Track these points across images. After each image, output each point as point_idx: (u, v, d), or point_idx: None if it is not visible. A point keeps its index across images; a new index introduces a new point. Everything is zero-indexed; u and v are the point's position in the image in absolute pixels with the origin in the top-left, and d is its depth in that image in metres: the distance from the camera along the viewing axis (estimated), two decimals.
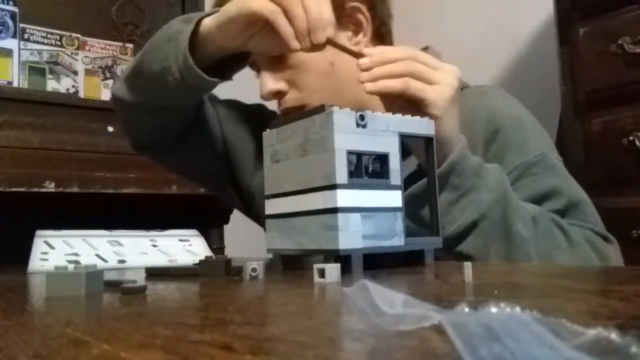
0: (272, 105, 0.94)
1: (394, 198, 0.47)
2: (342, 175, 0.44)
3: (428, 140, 0.52)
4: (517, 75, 1.80)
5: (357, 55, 0.64)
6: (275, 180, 0.51)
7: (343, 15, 0.78)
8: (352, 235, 0.44)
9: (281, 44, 0.64)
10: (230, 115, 0.92)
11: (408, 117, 0.50)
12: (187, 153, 0.88)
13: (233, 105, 0.96)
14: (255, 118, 0.92)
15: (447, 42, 2.01)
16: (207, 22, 0.70)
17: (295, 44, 0.63)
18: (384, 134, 0.47)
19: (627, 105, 1.20)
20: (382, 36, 0.83)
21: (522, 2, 1.78)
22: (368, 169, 0.48)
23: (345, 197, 0.44)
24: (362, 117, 0.46)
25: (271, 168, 0.51)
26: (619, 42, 1.20)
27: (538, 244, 0.63)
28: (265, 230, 0.90)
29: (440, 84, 0.62)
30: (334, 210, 0.43)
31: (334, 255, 0.43)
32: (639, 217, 1.14)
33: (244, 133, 0.91)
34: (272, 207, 0.51)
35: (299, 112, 0.69)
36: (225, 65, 0.75)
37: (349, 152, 0.45)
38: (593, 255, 0.66)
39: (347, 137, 0.45)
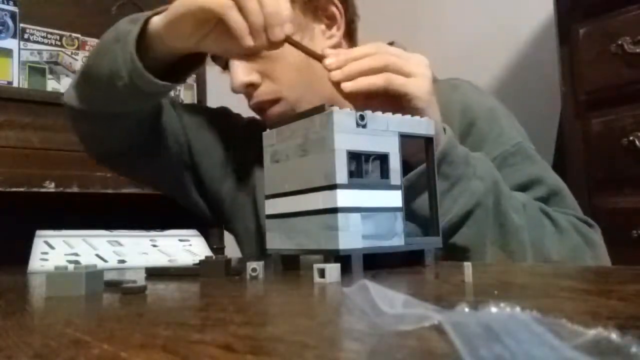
0: (237, 108, 0.92)
1: (394, 198, 0.47)
2: (342, 175, 0.44)
3: (428, 140, 0.52)
4: (517, 75, 1.80)
5: (319, 57, 0.61)
6: (275, 180, 0.51)
7: (317, 7, 0.76)
8: (352, 235, 0.44)
9: (237, 44, 0.61)
10: (194, 120, 0.87)
11: (408, 117, 0.50)
12: (149, 163, 0.83)
13: (196, 109, 0.93)
14: (220, 121, 0.89)
15: (447, 42, 2.02)
16: (155, 21, 0.66)
17: (248, 41, 0.60)
18: (383, 134, 0.47)
19: (627, 105, 1.20)
20: (351, 33, 0.81)
21: (522, 2, 1.78)
22: (368, 169, 0.48)
23: (345, 197, 0.44)
24: (362, 117, 0.46)
25: (271, 168, 0.51)
26: (619, 42, 1.20)
27: (530, 231, 0.63)
28: (235, 236, 0.90)
29: (416, 76, 0.60)
30: (334, 210, 0.43)
31: (334, 255, 0.43)
32: (639, 217, 1.14)
33: (209, 138, 0.88)
34: (272, 207, 0.51)
35: (271, 106, 0.72)
36: (181, 66, 0.71)
37: (349, 152, 0.45)
38: (580, 240, 0.67)
39: (347, 137, 0.45)
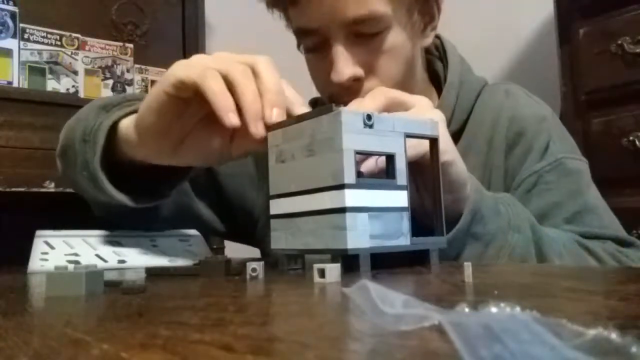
0: None
1: (400, 198, 0.47)
2: (350, 175, 0.44)
3: (432, 141, 0.52)
4: (517, 75, 1.80)
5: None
6: (281, 180, 0.51)
7: (425, 5, 0.72)
8: (360, 235, 0.44)
9: (217, 150, 0.53)
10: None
11: (413, 117, 0.50)
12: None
13: None
14: None
15: None
16: (124, 128, 0.56)
17: (232, 119, 0.47)
18: (390, 134, 0.47)
19: (627, 105, 1.20)
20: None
21: (522, 2, 1.78)
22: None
23: (353, 197, 0.44)
24: (369, 117, 0.46)
25: (276, 168, 0.51)
26: (619, 42, 1.20)
27: None
28: (261, 250, 0.86)
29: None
30: (342, 210, 0.43)
31: (341, 255, 0.43)
32: (639, 217, 1.14)
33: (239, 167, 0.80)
34: (277, 207, 0.51)
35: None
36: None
37: (357, 152, 0.45)
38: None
39: (355, 137, 0.45)
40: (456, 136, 0.74)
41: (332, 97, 0.71)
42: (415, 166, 0.52)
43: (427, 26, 0.75)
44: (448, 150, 0.53)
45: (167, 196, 0.64)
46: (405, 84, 0.70)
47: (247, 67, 0.50)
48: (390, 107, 0.53)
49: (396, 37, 0.69)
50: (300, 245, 0.48)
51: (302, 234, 0.48)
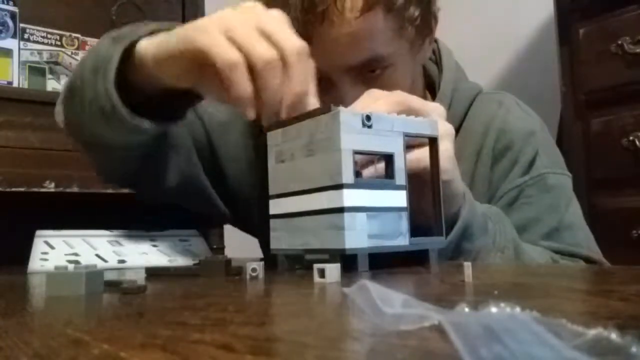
0: None
1: (399, 198, 0.47)
2: (348, 175, 0.44)
3: (432, 140, 0.52)
4: (517, 75, 1.80)
5: None
6: (280, 180, 0.51)
7: (428, 25, 0.71)
8: (358, 235, 0.44)
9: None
10: (217, 122, 0.79)
11: (412, 117, 0.50)
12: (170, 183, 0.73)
13: (219, 108, 0.81)
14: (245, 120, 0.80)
15: (447, 43, 2.01)
16: (143, 49, 0.56)
17: (250, 113, 0.49)
18: (389, 134, 0.47)
19: (627, 105, 1.20)
20: None
21: (522, 2, 1.78)
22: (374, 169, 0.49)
23: (351, 197, 0.44)
24: (368, 118, 0.46)
25: (276, 168, 0.51)
26: (619, 42, 1.20)
27: None
28: (256, 235, 0.86)
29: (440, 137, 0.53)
30: (341, 210, 0.44)
31: (339, 255, 0.43)
32: (639, 217, 1.14)
33: (235, 140, 0.80)
34: (277, 207, 0.51)
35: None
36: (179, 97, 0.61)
37: (355, 152, 0.45)
38: None
39: (353, 137, 0.45)
40: None
41: None
42: (416, 178, 0.52)
43: (426, 39, 0.74)
44: (448, 169, 0.53)
45: (182, 117, 0.64)
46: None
47: (275, 53, 0.48)
48: (403, 112, 0.52)
49: (400, 71, 0.68)
50: (300, 245, 0.48)
51: (301, 234, 0.48)
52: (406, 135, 0.48)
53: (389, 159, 0.47)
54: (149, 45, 0.56)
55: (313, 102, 0.51)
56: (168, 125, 0.64)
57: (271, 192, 0.52)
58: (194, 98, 0.63)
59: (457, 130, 0.76)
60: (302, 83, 0.50)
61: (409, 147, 0.50)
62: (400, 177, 0.47)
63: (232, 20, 0.50)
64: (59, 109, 0.68)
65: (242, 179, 0.80)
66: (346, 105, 0.62)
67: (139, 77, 0.58)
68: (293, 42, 0.50)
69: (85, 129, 0.64)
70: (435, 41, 0.82)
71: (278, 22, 0.51)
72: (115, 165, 0.70)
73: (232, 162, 0.80)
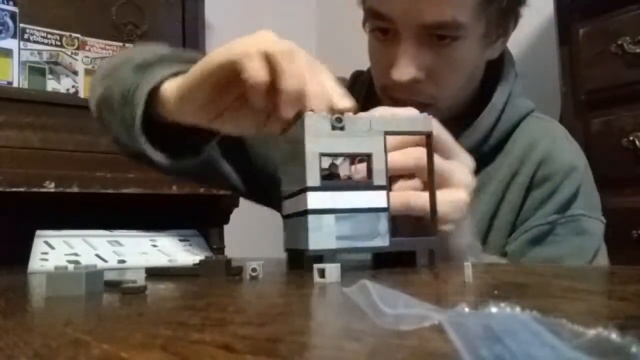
0: None
1: (377, 198, 0.46)
2: (313, 178, 0.45)
3: (427, 137, 0.50)
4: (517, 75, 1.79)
5: None
6: (286, 182, 0.53)
7: (507, 17, 0.70)
8: (324, 236, 0.45)
9: (254, 123, 0.54)
10: None
11: (400, 114, 0.49)
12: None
13: None
14: None
15: None
16: (168, 93, 0.57)
17: (259, 100, 0.49)
18: (365, 135, 0.46)
19: (627, 105, 1.20)
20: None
21: None
22: (356, 170, 0.49)
23: (316, 200, 0.45)
24: (338, 120, 0.46)
25: (283, 170, 0.54)
26: (619, 42, 1.20)
27: None
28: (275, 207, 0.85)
29: (453, 186, 0.51)
30: (306, 213, 0.45)
31: (306, 255, 0.45)
32: (639, 217, 1.14)
33: None
34: (284, 208, 0.53)
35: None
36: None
37: (323, 155, 0.45)
38: None
39: (320, 140, 0.46)
40: (485, 159, 0.72)
41: (385, 88, 0.70)
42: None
43: (499, 39, 0.72)
44: (450, 218, 0.51)
45: (202, 152, 0.65)
46: (458, 93, 0.70)
47: (293, 51, 0.49)
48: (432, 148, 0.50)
49: (467, 49, 0.67)
50: (291, 245, 0.50)
51: (293, 235, 0.50)
52: (388, 133, 0.47)
53: (368, 159, 0.47)
54: (171, 88, 0.57)
55: (343, 103, 0.48)
56: (188, 159, 0.64)
57: (282, 194, 0.54)
58: (211, 137, 0.64)
59: (498, 148, 0.74)
60: (320, 74, 0.49)
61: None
62: (380, 178, 0.46)
63: (245, 40, 0.51)
64: (93, 107, 0.69)
65: (267, 155, 0.79)
66: (404, 61, 0.64)
67: (162, 112, 0.59)
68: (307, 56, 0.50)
69: (114, 132, 0.66)
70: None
71: (287, 44, 0.50)
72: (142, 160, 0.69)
73: (258, 139, 0.78)
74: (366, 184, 0.46)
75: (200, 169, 0.68)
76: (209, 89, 0.52)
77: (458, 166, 0.52)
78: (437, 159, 0.50)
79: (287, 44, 0.50)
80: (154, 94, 0.58)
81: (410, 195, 0.49)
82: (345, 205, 0.45)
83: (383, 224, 0.46)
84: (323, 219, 0.45)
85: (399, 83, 0.66)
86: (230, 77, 0.51)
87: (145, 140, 0.59)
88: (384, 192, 0.47)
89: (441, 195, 0.49)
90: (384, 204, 0.46)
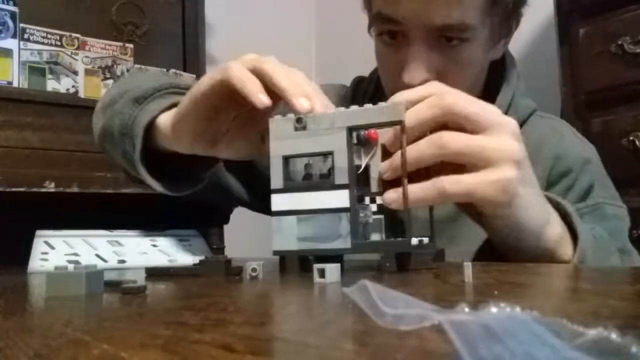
0: None
1: (338, 198, 0.44)
2: (276, 181, 0.46)
3: (398, 125, 0.45)
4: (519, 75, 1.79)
5: None
6: None
7: (511, 19, 0.71)
8: (286, 238, 0.45)
9: (251, 147, 0.55)
10: None
11: (368, 106, 0.45)
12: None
13: None
14: None
15: None
16: (163, 123, 0.58)
17: (263, 99, 0.47)
18: (328, 132, 0.45)
19: (627, 105, 1.20)
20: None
21: None
22: (324, 169, 0.47)
23: (279, 202, 0.46)
24: (299, 120, 0.45)
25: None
26: (619, 42, 1.20)
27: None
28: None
29: (492, 163, 0.45)
30: (272, 214, 0.46)
31: (278, 256, 0.46)
32: (639, 217, 1.14)
33: None
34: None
35: None
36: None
37: (286, 157, 0.46)
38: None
39: (283, 143, 0.46)
40: None
41: (396, 92, 0.69)
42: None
43: (502, 39, 0.73)
44: (494, 204, 0.47)
45: (202, 179, 0.66)
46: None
47: (275, 59, 0.51)
48: (451, 122, 0.46)
49: (474, 50, 0.68)
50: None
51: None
52: (352, 128, 0.45)
53: (329, 158, 0.45)
54: (165, 121, 0.58)
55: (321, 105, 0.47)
56: (189, 189, 0.66)
57: None
58: (210, 165, 0.66)
59: None
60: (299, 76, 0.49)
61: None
62: (341, 176, 0.44)
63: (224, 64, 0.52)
64: (97, 139, 0.71)
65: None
66: (415, 64, 0.64)
67: (160, 144, 0.61)
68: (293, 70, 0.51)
69: (117, 162, 0.68)
70: None
71: (277, 63, 0.51)
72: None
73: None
74: (328, 184, 0.45)
75: (202, 190, 0.69)
76: (201, 114, 0.53)
77: (492, 140, 0.46)
78: (464, 138, 0.45)
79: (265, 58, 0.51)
80: (151, 126, 0.59)
81: (443, 181, 0.45)
82: (306, 206, 0.45)
83: (344, 225, 0.44)
84: (285, 221, 0.45)
85: (411, 86, 0.64)
86: (219, 98, 0.52)
87: (147, 173, 0.61)
88: (345, 192, 0.44)
89: (478, 177, 0.45)
90: (345, 204, 0.44)
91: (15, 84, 1.49)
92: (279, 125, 0.46)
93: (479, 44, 0.68)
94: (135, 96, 0.63)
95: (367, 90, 0.83)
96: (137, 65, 1.69)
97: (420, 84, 0.62)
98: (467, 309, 0.16)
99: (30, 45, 1.53)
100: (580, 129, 1.28)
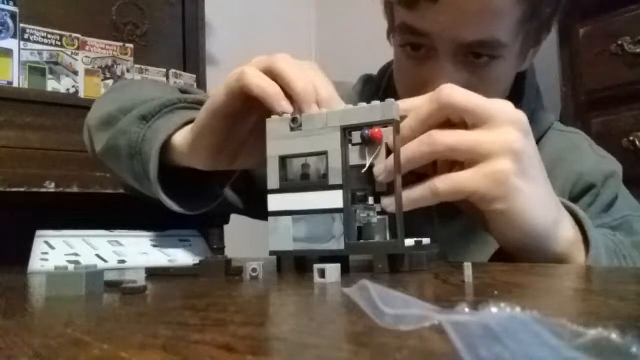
0: None
1: (332, 199, 0.44)
2: (273, 181, 0.46)
3: (391, 124, 0.44)
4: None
5: None
6: None
7: (542, 31, 0.67)
8: (282, 238, 0.46)
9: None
10: None
11: (361, 105, 0.44)
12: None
13: None
14: None
15: None
16: (178, 142, 0.57)
17: (284, 105, 0.46)
18: (322, 131, 0.44)
19: (627, 105, 1.20)
20: None
21: None
22: (319, 169, 0.47)
23: (275, 202, 0.46)
24: (294, 120, 0.45)
25: None
26: (619, 42, 1.20)
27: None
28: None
29: (486, 157, 0.44)
30: (268, 214, 0.46)
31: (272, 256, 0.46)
32: None
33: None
34: None
35: None
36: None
37: (282, 157, 0.46)
38: None
39: (279, 143, 0.46)
40: None
41: None
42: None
43: (530, 49, 0.69)
44: (491, 198, 0.44)
45: (219, 195, 0.65)
46: None
47: (287, 56, 0.49)
48: (452, 117, 0.45)
49: (504, 67, 0.64)
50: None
51: None
52: (345, 127, 0.44)
53: (324, 158, 0.45)
54: (181, 138, 0.57)
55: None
56: (203, 207, 0.65)
57: None
58: (226, 179, 0.65)
59: None
60: (327, 91, 0.48)
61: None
62: (335, 176, 0.44)
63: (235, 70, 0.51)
64: (100, 156, 0.68)
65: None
66: (440, 82, 0.52)
67: (174, 161, 0.59)
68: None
69: (123, 180, 0.67)
70: None
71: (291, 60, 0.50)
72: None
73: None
74: (323, 184, 0.44)
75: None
76: (221, 125, 0.52)
77: (489, 133, 0.44)
78: (454, 134, 0.44)
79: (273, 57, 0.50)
80: (164, 145, 0.58)
81: (435, 180, 0.44)
82: (301, 207, 0.45)
83: (338, 226, 0.43)
84: (280, 221, 0.46)
85: None
86: (238, 106, 0.50)
87: (164, 194, 0.59)
88: (339, 192, 0.43)
89: (469, 171, 0.44)
90: (338, 205, 0.43)
91: (15, 84, 1.49)
92: (275, 125, 0.46)
93: (509, 60, 0.64)
94: (141, 114, 0.61)
95: (375, 90, 0.81)
96: (133, 66, 1.69)
97: None
98: (467, 309, 0.16)
99: (30, 45, 1.53)
100: (580, 128, 1.28)
